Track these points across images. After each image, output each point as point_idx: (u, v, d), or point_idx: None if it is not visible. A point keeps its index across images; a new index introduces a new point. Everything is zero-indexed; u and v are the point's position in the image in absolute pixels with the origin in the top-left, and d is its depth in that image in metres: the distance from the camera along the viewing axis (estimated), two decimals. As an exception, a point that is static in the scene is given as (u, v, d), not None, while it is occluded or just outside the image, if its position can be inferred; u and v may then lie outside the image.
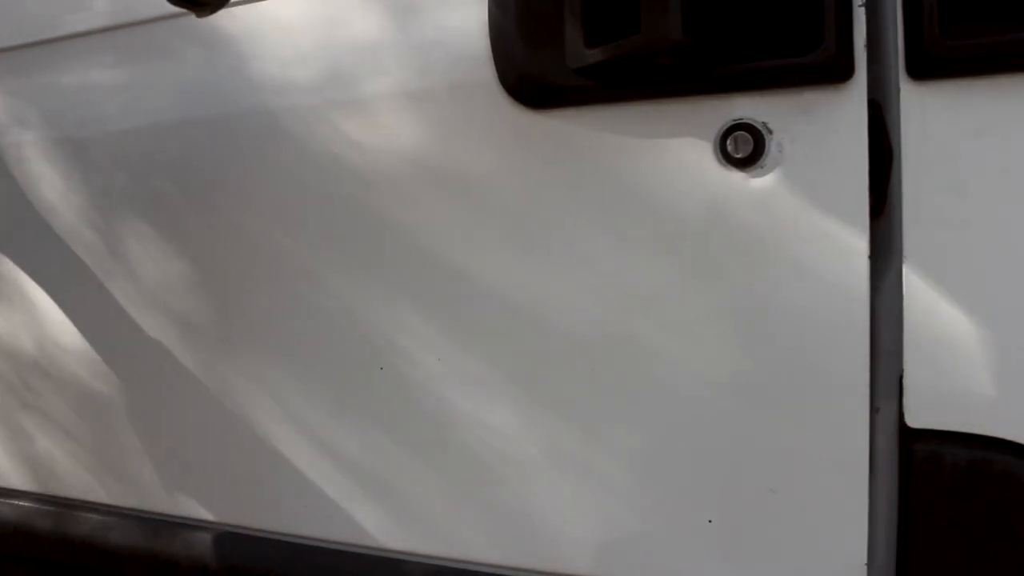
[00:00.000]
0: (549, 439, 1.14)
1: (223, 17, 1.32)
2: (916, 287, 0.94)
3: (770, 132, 0.98)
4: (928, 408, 0.94)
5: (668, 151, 1.03)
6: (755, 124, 0.98)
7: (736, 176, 0.99)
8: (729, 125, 1.00)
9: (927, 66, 0.91)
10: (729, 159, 1.00)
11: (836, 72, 0.94)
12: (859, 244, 0.96)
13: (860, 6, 0.94)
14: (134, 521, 1.48)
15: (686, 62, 0.99)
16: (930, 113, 0.92)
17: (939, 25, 0.89)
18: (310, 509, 1.32)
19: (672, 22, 0.91)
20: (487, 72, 1.11)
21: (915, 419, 0.95)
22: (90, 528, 1.51)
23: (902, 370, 0.96)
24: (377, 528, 1.28)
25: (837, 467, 0.98)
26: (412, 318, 1.21)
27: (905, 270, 0.94)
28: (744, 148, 0.98)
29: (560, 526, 1.14)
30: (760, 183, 0.99)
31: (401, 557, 1.26)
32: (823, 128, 0.96)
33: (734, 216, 1.01)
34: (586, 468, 1.12)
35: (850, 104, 0.95)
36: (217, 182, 1.34)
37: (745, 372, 1.03)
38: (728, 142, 0.99)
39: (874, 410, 1.01)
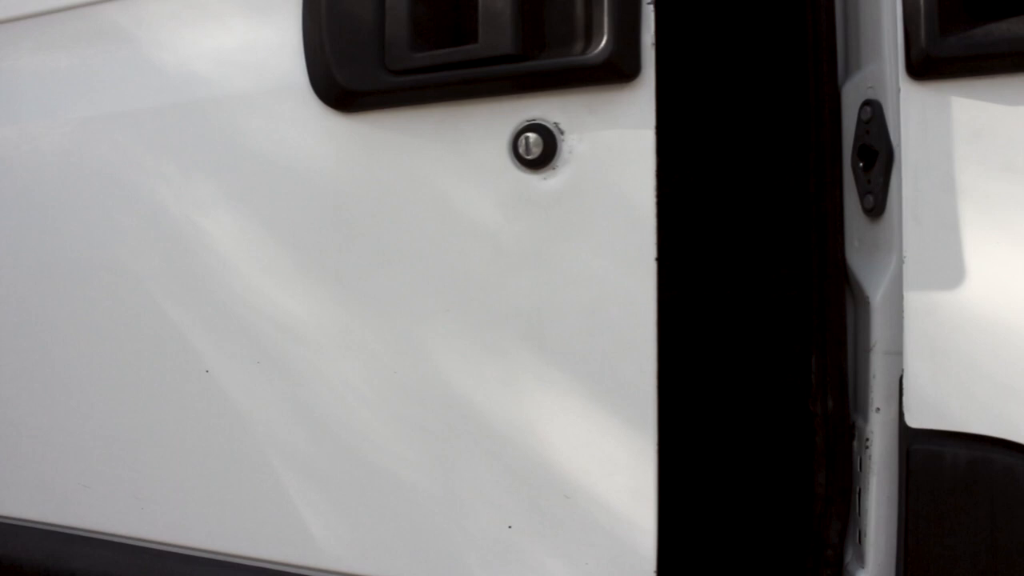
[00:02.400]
0: (351, 445, 1.14)
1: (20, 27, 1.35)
2: (916, 287, 0.94)
3: (562, 133, 0.98)
4: (928, 408, 0.94)
5: (467, 153, 1.04)
6: (547, 125, 0.99)
7: (529, 177, 1.00)
8: (522, 126, 1.00)
9: (927, 66, 0.91)
10: (522, 160, 1.00)
11: (619, 71, 0.94)
12: (646, 245, 0.95)
13: (648, 4, 0.93)
14: None
15: (482, 64, 1.00)
16: (930, 113, 0.92)
17: (939, 25, 0.89)
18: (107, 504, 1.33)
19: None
20: (300, 77, 1.13)
21: (915, 419, 0.95)
22: None
23: (902, 370, 0.96)
24: (172, 524, 1.29)
25: (626, 472, 0.98)
26: (225, 321, 1.22)
27: (905, 270, 0.94)
28: (535, 150, 0.98)
29: (364, 529, 1.15)
30: (552, 184, 1.00)
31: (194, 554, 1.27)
32: (611, 128, 0.96)
33: (527, 218, 1.01)
34: (391, 473, 1.13)
35: (637, 103, 0.95)
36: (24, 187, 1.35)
37: (538, 376, 1.02)
38: (519, 143, 1.00)
39: (875, 410, 1.01)
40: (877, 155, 0.98)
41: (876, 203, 1.00)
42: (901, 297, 0.95)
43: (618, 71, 0.94)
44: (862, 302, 1.05)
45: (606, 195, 0.97)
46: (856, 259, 1.07)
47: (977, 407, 0.91)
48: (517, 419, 1.04)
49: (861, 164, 1.02)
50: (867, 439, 1.02)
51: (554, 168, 0.99)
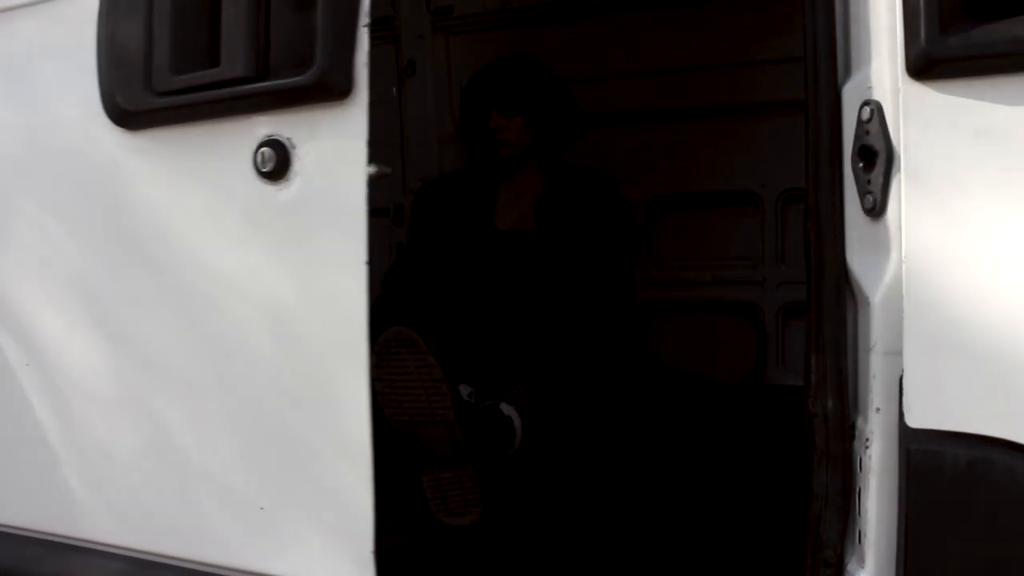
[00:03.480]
0: (134, 431, 1.27)
1: None
2: (916, 287, 0.94)
3: (293, 147, 1.08)
4: (928, 408, 0.94)
5: (220, 167, 1.17)
6: (282, 140, 1.08)
7: (269, 188, 1.10)
8: (262, 141, 1.10)
9: (927, 66, 0.91)
10: (261, 173, 1.10)
11: (333, 89, 1.03)
12: (359, 249, 1.04)
13: (364, 27, 1.01)
14: None
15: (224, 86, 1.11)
16: (930, 113, 0.92)
17: (939, 25, 0.89)
18: None
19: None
20: (96, 99, 1.26)
21: (915, 419, 0.95)
22: None
23: (902, 370, 0.96)
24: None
25: (345, 460, 1.07)
26: (30, 324, 1.35)
27: (905, 270, 0.94)
28: (270, 163, 1.08)
29: (148, 509, 1.27)
30: (286, 194, 1.10)
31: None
32: (330, 142, 1.07)
33: (269, 225, 1.13)
34: (161, 457, 1.25)
35: (350, 119, 1.03)
36: None
37: (278, 370, 1.14)
38: (258, 157, 1.10)
39: (875, 410, 1.01)
40: (877, 155, 0.98)
41: (876, 203, 1.00)
42: (901, 297, 0.95)
43: (332, 89, 1.04)
44: (862, 302, 1.05)
45: (328, 203, 1.08)
46: (856, 259, 1.07)
47: (977, 407, 0.91)
48: (262, 408, 1.17)
49: (861, 164, 1.02)
50: (867, 439, 1.02)
51: (288, 180, 1.09)
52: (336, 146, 1.06)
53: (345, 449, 1.08)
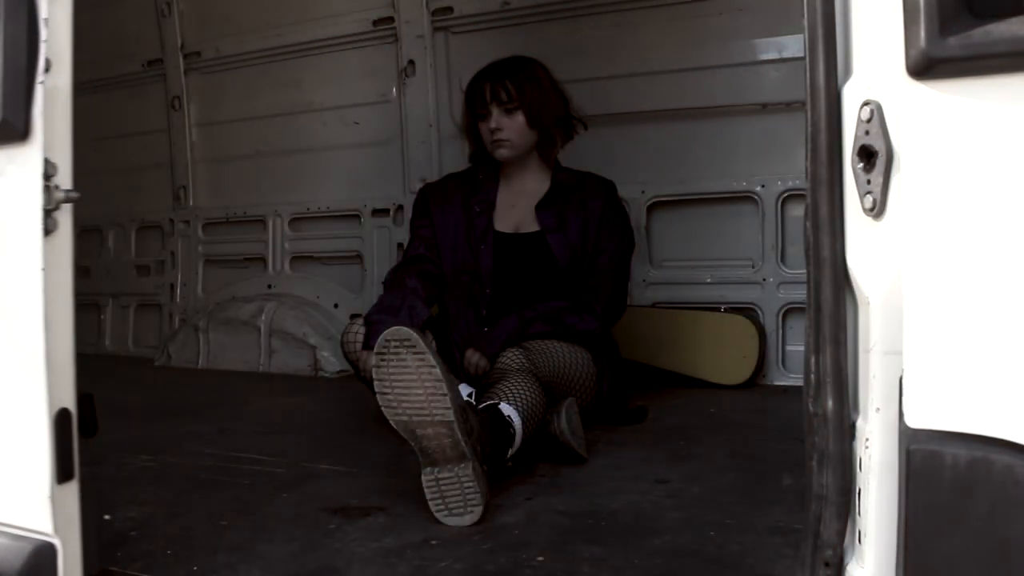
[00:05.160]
0: None
1: None
2: (916, 287, 0.94)
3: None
4: (928, 408, 0.94)
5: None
6: None
7: None
8: None
9: (927, 66, 0.91)
10: None
11: (13, 132, 1.28)
12: (35, 264, 1.29)
13: (41, 83, 1.26)
14: None
15: None
16: (930, 113, 0.92)
17: (939, 25, 0.89)
18: None
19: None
20: None
21: (915, 419, 0.95)
22: None
23: (902, 370, 0.96)
24: None
25: (28, 430, 1.33)
26: None
27: (905, 270, 0.94)
28: None
29: None
30: None
31: None
32: (17, 174, 1.33)
33: None
34: None
35: (30, 156, 1.29)
36: None
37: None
38: None
39: (875, 410, 1.01)
40: (877, 155, 0.99)
41: (876, 203, 1.00)
42: (901, 297, 0.95)
43: (12, 133, 1.29)
44: (862, 302, 1.05)
45: (15, 224, 1.33)
46: (856, 259, 1.07)
47: (977, 407, 0.91)
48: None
49: (861, 164, 1.02)
50: (867, 439, 1.02)
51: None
52: (21, 178, 1.32)
53: (28, 423, 1.33)
